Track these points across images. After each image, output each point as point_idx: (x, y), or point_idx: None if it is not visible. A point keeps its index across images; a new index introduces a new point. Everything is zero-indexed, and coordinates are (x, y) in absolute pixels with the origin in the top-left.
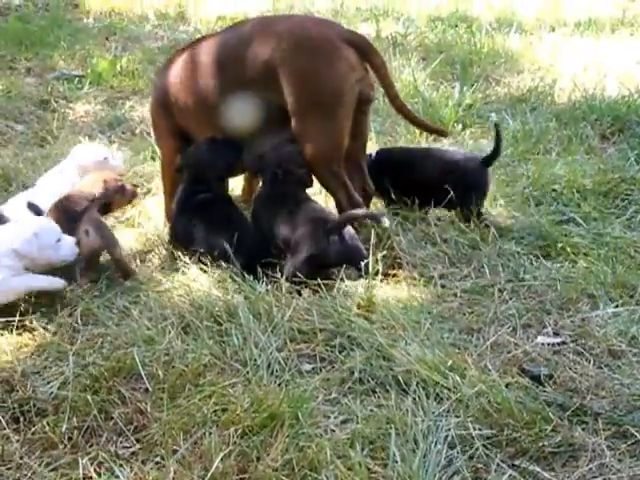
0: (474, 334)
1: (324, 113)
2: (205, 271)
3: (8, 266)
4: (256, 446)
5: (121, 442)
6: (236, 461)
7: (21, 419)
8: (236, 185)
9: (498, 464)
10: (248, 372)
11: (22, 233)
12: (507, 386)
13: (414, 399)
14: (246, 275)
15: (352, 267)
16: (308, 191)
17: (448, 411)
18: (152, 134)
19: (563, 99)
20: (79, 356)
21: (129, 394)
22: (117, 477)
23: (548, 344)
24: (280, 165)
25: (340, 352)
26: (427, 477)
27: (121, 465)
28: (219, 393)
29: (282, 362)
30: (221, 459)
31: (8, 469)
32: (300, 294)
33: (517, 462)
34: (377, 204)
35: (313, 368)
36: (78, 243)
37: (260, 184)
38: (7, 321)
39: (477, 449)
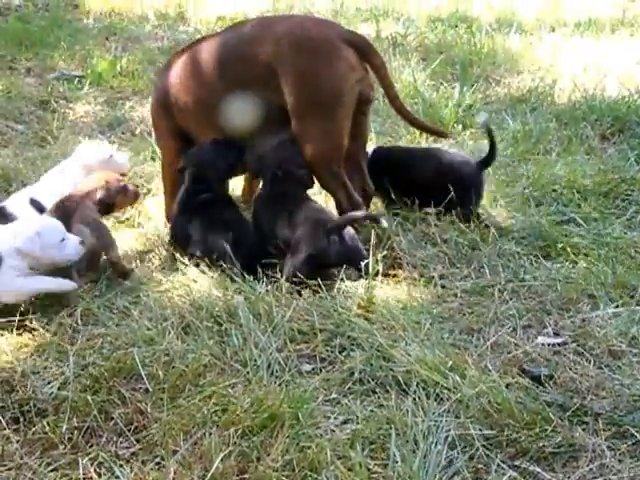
0: (474, 334)
1: (324, 113)
2: (205, 272)
3: (12, 266)
4: (256, 446)
5: (121, 442)
6: (236, 461)
7: (21, 419)
8: (236, 185)
9: (498, 464)
10: (248, 372)
11: (25, 232)
12: (507, 386)
13: (414, 399)
14: (246, 275)
15: (352, 267)
16: (308, 191)
17: (448, 411)
18: (152, 134)
19: (563, 99)
20: (79, 356)
21: (129, 394)
22: (117, 477)
23: (548, 344)
24: (280, 166)
25: (340, 352)
26: (427, 477)
27: (121, 465)
28: (219, 393)
29: (282, 362)
30: (221, 459)
31: (8, 469)
32: (300, 294)
33: (517, 462)
34: (377, 204)
35: (313, 368)
36: (82, 243)
37: (260, 184)
38: (7, 321)
39: (477, 449)
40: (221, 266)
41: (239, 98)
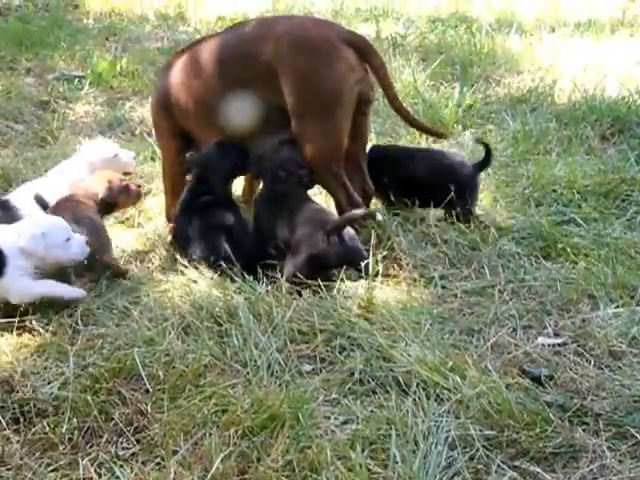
0: (474, 335)
1: (324, 113)
2: (205, 272)
3: (17, 266)
4: (256, 447)
5: (121, 443)
6: (236, 462)
7: (21, 420)
8: (236, 185)
9: (499, 465)
10: (248, 373)
11: (29, 231)
12: (507, 387)
13: (414, 400)
14: (246, 276)
15: (352, 268)
16: (308, 191)
17: (448, 412)
18: (152, 135)
19: (563, 100)
20: (79, 357)
21: (129, 395)
22: (117, 478)
23: (548, 345)
24: (280, 166)
25: (340, 353)
26: (427, 478)
27: (121, 466)
28: (219, 394)
29: (282, 363)
30: (221, 460)
31: (8, 470)
32: (300, 295)
33: (518, 463)
34: (377, 204)
35: (313, 369)
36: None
37: (261, 185)
38: (7, 321)
39: (477, 450)
40: (220, 266)
41: (239, 98)
